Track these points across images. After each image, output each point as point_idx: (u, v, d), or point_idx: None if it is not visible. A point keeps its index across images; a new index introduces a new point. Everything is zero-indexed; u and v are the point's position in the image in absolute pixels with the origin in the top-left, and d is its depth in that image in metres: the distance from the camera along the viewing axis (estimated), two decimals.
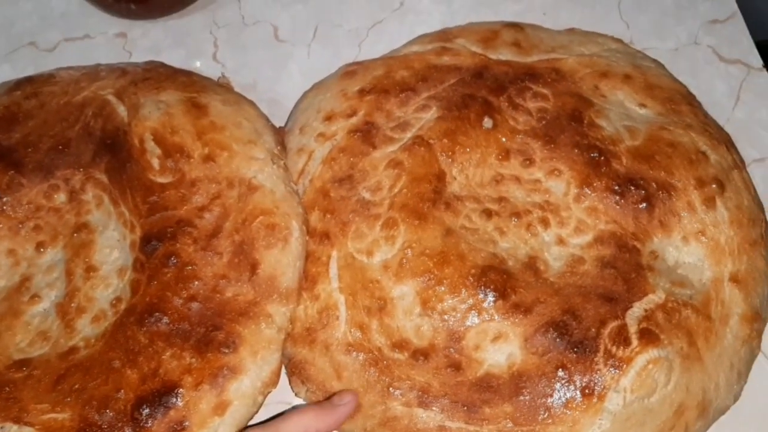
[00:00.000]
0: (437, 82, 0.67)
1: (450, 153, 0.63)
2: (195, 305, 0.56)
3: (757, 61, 0.75)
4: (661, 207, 0.61)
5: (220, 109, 0.64)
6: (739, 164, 0.65)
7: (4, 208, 0.61)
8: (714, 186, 0.62)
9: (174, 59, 0.75)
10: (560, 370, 0.55)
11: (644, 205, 0.61)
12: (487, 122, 0.65)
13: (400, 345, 0.57)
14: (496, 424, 0.54)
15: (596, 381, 0.54)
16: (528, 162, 0.64)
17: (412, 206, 0.61)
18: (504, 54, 0.69)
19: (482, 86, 0.66)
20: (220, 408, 0.54)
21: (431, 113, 0.65)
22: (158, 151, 0.61)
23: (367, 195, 0.62)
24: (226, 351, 0.55)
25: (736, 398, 0.59)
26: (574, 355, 0.55)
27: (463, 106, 0.65)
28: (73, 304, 0.58)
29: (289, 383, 0.60)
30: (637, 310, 0.57)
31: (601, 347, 0.55)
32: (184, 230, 0.58)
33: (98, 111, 0.64)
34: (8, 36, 0.79)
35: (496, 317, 0.57)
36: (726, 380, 0.57)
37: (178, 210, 0.59)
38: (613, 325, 0.56)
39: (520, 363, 0.56)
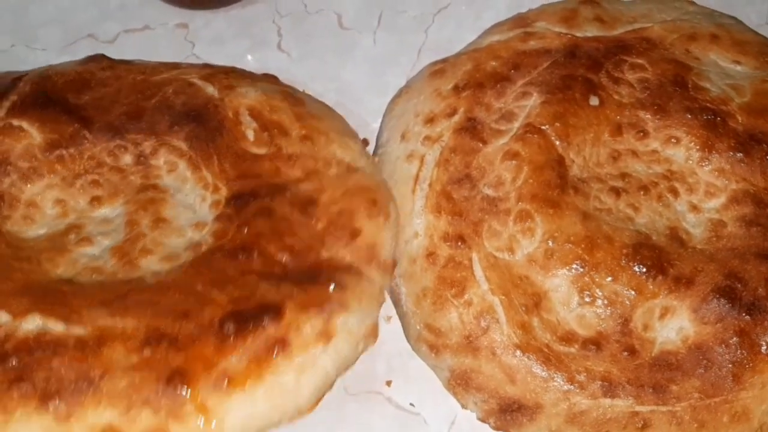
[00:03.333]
0: (530, 68, 0.65)
1: (564, 136, 0.62)
2: (290, 257, 0.53)
3: None
4: None
5: (314, 104, 0.64)
6: None
7: (63, 157, 0.58)
8: None
9: (238, 49, 0.75)
10: (738, 334, 0.54)
11: None
12: (594, 100, 0.63)
13: (567, 338, 0.55)
14: (687, 400, 0.53)
15: None
16: (642, 134, 0.63)
17: (542, 195, 0.59)
18: (590, 30, 0.68)
19: (578, 65, 0.65)
20: (325, 336, 0.51)
21: (533, 99, 0.64)
22: (254, 124, 0.60)
23: (490, 192, 0.60)
24: (332, 288, 0.52)
25: None
26: (749, 317, 0.54)
27: (566, 88, 0.63)
28: (136, 246, 0.55)
29: (455, 396, 0.57)
30: None
31: None
32: (280, 192, 0.56)
33: (180, 89, 0.62)
34: (66, 28, 0.78)
35: (660, 293, 0.55)
36: None
37: (271, 180, 0.57)
38: None
39: (694, 335, 0.55)
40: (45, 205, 0.58)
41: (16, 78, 0.61)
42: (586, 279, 0.56)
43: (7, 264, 0.54)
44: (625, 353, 0.55)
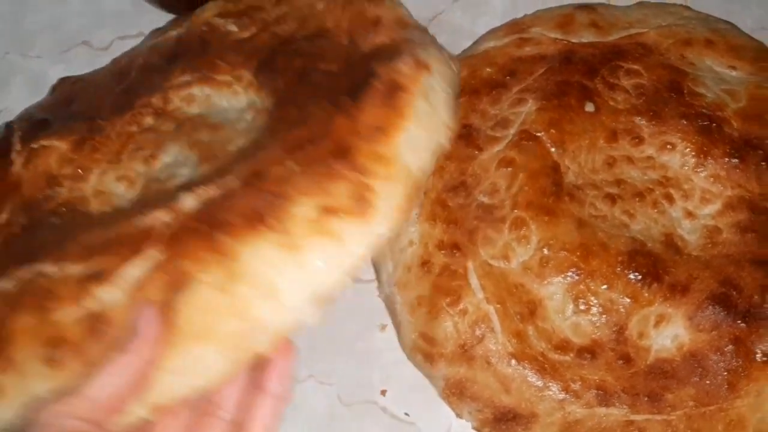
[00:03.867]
0: (526, 74, 0.65)
1: (560, 143, 0.62)
2: (338, 64, 0.52)
3: None
4: None
5: None
6: None
7: (95, 146, 0.58)
8: None
9: None
10: (733, 342, 0.54)
11: (765, 164, 0.60)
12: (589, 106, 0.63)
13: (562, 346, 0.55)
14: (682, 408, 0.53)
15: None
16: (637, 140, 0.63)
17: (537, 202, 0.59)
18: (585, 36, 0.67)
19: (574, 71, 0.65)
20: (421, 66, 0.48)
21: (529, 106, 0.63)
22: (230, 20, 0.61)
23: (485, 199, 0.60)
24: (397, 50, 0.50)
25: None
26: (744, 325, 0.54)
27: (562, 94, 0.63)
28: (215, 149, 0.55)
29: (449, 405, 0.57)
30: None
31: None
32: (292, 41, 0.56)
33: (147, 55, 0.63)
34: (60, 36, 0.78)
35: (655, 301, 0.55)
36: None
37: (276, 41, 0.57)
38: None
39: (689, 343, 0.55)
40: (110, 187, 0.57)
41: (6, 126, 0.62)
42: (582, 287, 0.56)
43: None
44: (620, 361, 0.55)
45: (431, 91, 0.48)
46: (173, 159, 0.57)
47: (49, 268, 0.45)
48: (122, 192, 0.57)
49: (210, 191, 0.44)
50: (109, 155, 0.58)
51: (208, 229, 0.41)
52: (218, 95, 0.59)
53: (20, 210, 0.55)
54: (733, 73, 0.66)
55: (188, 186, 0.47)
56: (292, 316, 0.42)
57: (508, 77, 0.65)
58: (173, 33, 0.63)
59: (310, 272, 0.42)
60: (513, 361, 0.55)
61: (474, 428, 0.56)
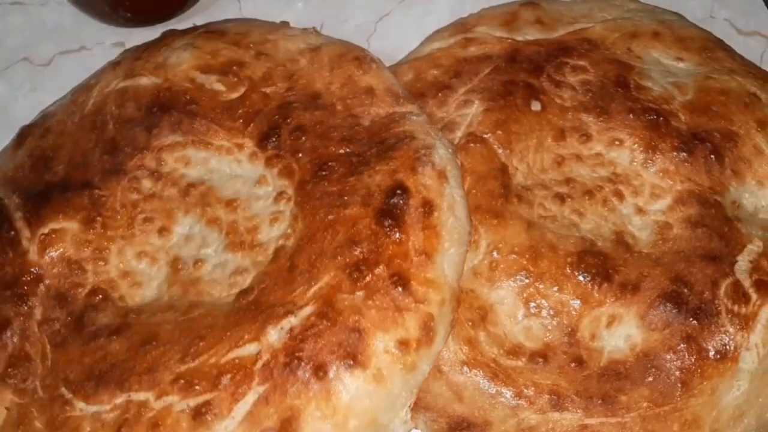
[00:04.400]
0: (471, 75, 0.64)
1: (507, 144, 0.61)
2: (348, 145, 0.56)
3: None
4: (729, 156, 0.60)
5: (232, 25, 0.66)
6: None
7: (105, 222, 0.58)
8: None
9: None
10: (686, 340, 0.53)
11: (713, 157, 0.60)
12: (535, 105, 0.62)
13: (514, 351, 0.55)
14: (636, 410, 0.53)
15: (726, 343, 0.53)
16: (585, 137, 0.62)
17: (485, 206, 0.58)
18: (530, 34, 0.67)
19: (519, 70, 0.64)
20: (441, 176, 0.55)
21: (475, 107, 0.63)
22: (213, 76, 0.61)
23: None
24: (407, 141, 0.56)
25: None
26: (696, 323, 0.53)
27: (507, 94, 0.63)
28: (240, 233, 0.57)
29: None
30: (742, 263, 0.55)
31: (722, 308, 0.54)
32: (289, 108, 0.59)
33: (119, 101, 0.62)
34: None
35: (606, 301, 0.55)
36: None
37: (270, 105, 0.59)
38: (726, 283, 0.54)
39: (641, 343, 0.54)
40: (134, 266, 0.58)
41: None
42: (532, 290, 0.55)
43: (177, 322, 0.53)
44: (573, 364, 0.54)
45: (455, 203, 0.55)
46: (188, 231, 0.58)
47: (143, 396, 0.50)
48: (146, 269, 0.58)
49: (292, 321, 0.50)
50: (121, 230, 0.58)
51: (302, 364, 0.49)
52: (217, 160, 0.60)
53: (53, 303, 0.56)
54: (681, 65, 0.65)
55: (251, 296, 0.53)
56: None
57: (453, 78, 0.65)
58: (145, 81, 0.62)
59: (396, 398, 0.51)
60: (465, 369, 0.54)
61: None
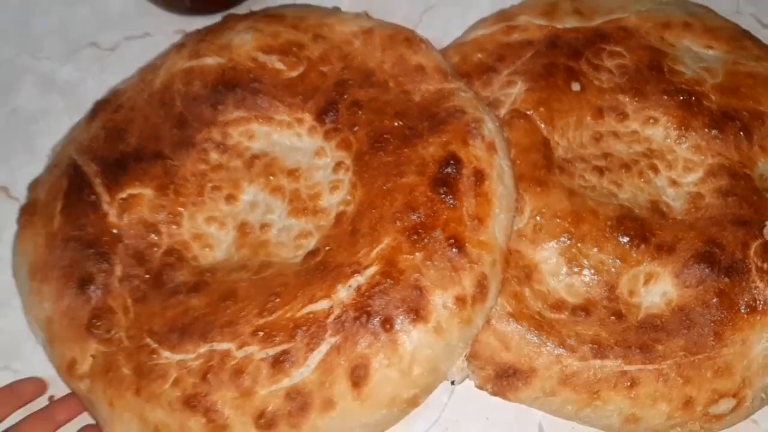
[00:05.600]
0: (514, 58, 0.69)
1: (549, 120, 0.65)
2: (402, 119, 0.61)
3: None
4: (757, 133, 0.64)
5: (290, 9, 0.70)
6: None
7: (177, 189, 0.62)
8: None
9: None
10: (718, 295, 0.57)
11: (742, 134, 0.64)
12: (575, 86, 0.67)
13: (557, 306, 0.58)
14: (672, 358, 0.56)
15: (757, 298, 0.57)
16: (621, 116, 0.66)
17: (529, 175, 0.62)
18: (569, 22, 0.71)
19: (559, 54, 0.68)
20: (491, 147, 0.59)
21: (518, 87, 0.67)
22: (274, 56, 0.65)
23: None
24: (458, 115, 0.60)
25: None
26: (728, 279, 0.57)
27: (549, 75, 0.67)
28: (303, 200, 0.61)
29: None
30: None
31: (752, 266, 0.57)
32: (345, 85, 0.63)
33: (186, 80, 0.66)
34: (67, 38, 0.81)
35: (643, 261, 0.59)
36: None
37: (327, 82, 0.64)
38: (756, 244, 0.58)
39: (677, 298, 0.58)
40: (204, 229, 0.62)
41: (72, 168, 0.64)
42: (574, 250, 0.59)
43: (252, 281, 0.58)
44: (613, 317, 0.58)
45: (503, 173, 0.59)
46: (252, 198, 0.63)
47: (225, 346, 0.55)
48: (216, 233, 0.62)
49: (359, 280, 0.55)
50: (191, 197, 0.63)
51: (370, 318, 0.54)
52: (279, 133, 0.65)
53: (132, 261, 0.60)
54: (710, 52, 0.70)
55: (318, 257, 0.57)
56: (447, 380, 0.57)
57: (497, 62, 0.69)
58: (210, 61, 0.66)
59: (454, 348, 0.55)
60: (512, 321, 0.58)
61: (477, 386, 0.59)
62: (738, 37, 0.71)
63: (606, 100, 0.67)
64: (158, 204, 0.62)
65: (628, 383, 0.56)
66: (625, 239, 0.59)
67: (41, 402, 0.63)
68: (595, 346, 0.57)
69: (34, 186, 0.66)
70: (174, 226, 0.62)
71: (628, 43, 0.69)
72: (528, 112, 0.65)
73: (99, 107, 0.69)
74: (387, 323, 0.53)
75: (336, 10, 0.71)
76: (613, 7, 0.73)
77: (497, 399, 0.59)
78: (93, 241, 0.60)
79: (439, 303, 0.54)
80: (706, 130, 0.64)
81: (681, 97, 0.65)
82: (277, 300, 0.55)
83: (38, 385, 0.63)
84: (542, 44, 0.69)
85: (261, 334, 0.54)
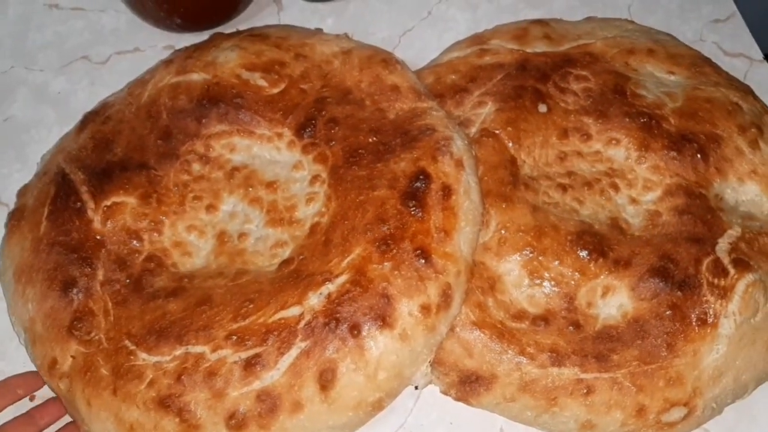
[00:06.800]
0: (486, 80, 0.72)
1: (516, 139, 0.68)
2: (376, 135, 0.64)
3: (757, 54, 0.83)
4: (713, 155, 0.68)
5: (273, 30, 0.73)
6: (767, 109, 0.72)
7: (160, 198, 0.65)
8: (753, 130, 0.69)
9: None
10: (672, 308, 0.60)
11: (699, 155, 0.67)
12: (542, 107, 0.70)
13: (518, 316, 0.61)
14: (627, 367, 0.59)
15: (708, 311, 0.60)
16: (585, 137, 0.69)
17: (496, 191, 0.65)
18: (539, 47, 0.75)
19: (528, 77, 0.72)
20: (459, 164, 0.62)
21: (488, 107, 0.70)
22: (257, 74, 0.68)
23: None
24: (429, 133, 0.63)
25: None
26: (681, 293, 0.60)
27: (517, 96, 0.70)
28: (279, 210, 0.64)
29: None
30: (722, 244, 0.62)
31: (704, 281, 0.60)
32: (323, 102, 0.66)
33: (172, 94, 0.69)
34: (61, 51, 0.84)
35: (601, 274, 0.62)
36: None
37: (306, 99, 0.67)
38: (708, 260, 0.61)
39: (632, 310, 0.61)
40: (185, 237, 0.65)
41: (60, 176, 0.67)
42: (535, 263, 0.62)
43: (228, 287, 0.60)
44: (571, 327, 0.60)
45: (470, 188, 0.62)
46: (232, 209, 0.66)
47: (200, 349, 0.57)
48: (195, 241, 0.65)
49: (329, 288, 0.57)
50: (173, 206, 0.66)
51: (339, 324, 0.56)
52: (259, 147, 0.68)
53: (114, 266, 0.63)
54: (672, 77, 0.73)
55: (292, 266, 0.60)
56: (411, 385, 0.60)
57: (470, 83, 0.72)
58: (196, 77, 0.70)
59: (418, 354, 0.58)
60: (475, 329, 0.61)
61: (441, 391, 0.62)
62: (699, 63, 0.74)
63: (571, 121, 0.70)
64: (141, 212, 0.65)
65: (585, 391, 0.59)
66: (584, 253, 0.62)
67: (24, 404, 0.65)
68: (554, 354, 0.60)
69: (23, 192, 0.69)
70: (155, 234, 0.64)
71: (593, 68, 0.73)
72: (497, 132, 0.68)
73: (88, 118, 0.72)
74: (355, 329, 0.56)
75: (318, 32, 0.75)
76: (581, 33, 0.76)
77: (461, 404, 0.61)
78: (77, 246, 0.63)
79: (405, 311, 0.57)
80: (665, 151, 0.68)
81: (642, 120, 0.69)
82: (251, 306, 0.58)
83: (33, 380, 0.65)
84: (513, 67, 0.73)
85: (234, 338, 0.57)
